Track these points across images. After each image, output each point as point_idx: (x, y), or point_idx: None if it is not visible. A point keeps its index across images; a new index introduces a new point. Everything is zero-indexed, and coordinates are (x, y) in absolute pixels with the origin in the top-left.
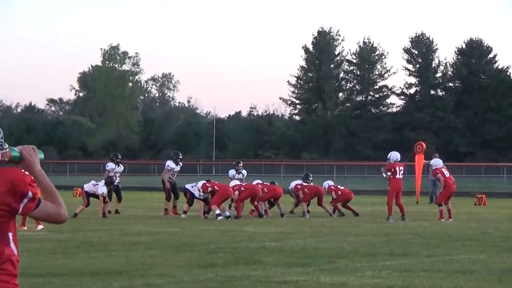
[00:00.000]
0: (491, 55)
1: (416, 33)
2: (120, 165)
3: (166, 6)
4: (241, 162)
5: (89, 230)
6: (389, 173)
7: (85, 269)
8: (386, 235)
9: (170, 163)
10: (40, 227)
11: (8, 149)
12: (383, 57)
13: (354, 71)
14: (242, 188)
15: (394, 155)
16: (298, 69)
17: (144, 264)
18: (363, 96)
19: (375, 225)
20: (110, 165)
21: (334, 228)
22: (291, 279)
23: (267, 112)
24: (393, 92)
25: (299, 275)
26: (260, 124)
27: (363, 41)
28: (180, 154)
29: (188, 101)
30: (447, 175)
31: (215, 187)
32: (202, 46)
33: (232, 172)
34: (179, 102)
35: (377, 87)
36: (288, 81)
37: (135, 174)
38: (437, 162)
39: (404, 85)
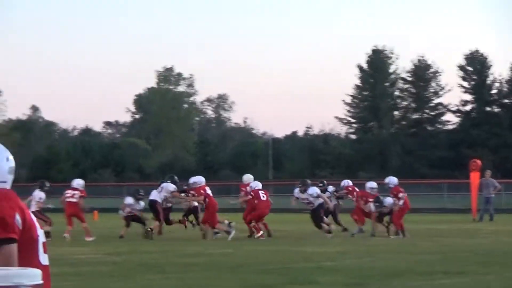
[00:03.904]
0: None
1: (471, 50)
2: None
3: (219, 27)
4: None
5: (145, 252)
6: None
7: None
8: (442, 253)
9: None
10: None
11: None
12: (437, 74)
13: (409, 89)
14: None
15: (393, 180)
16: (353, 88)
17: (200, 286)
18: (419, 114)
19: (431, 243)
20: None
21: (389, 246)
22: None
23: (323, 132)
24: (449, 110)
25: None
26: (316, 144)
27: (418, 59)
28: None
29: (244, 122)
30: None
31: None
32: (257, 67)
33: (296, 191)
34: (235, 123)
35: (433, 104)
36: (343, 100)
37: None
38: (393, 180)
39: (460, 102)
